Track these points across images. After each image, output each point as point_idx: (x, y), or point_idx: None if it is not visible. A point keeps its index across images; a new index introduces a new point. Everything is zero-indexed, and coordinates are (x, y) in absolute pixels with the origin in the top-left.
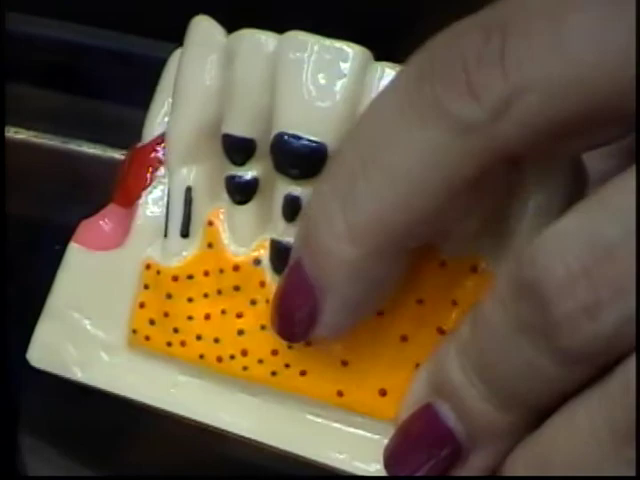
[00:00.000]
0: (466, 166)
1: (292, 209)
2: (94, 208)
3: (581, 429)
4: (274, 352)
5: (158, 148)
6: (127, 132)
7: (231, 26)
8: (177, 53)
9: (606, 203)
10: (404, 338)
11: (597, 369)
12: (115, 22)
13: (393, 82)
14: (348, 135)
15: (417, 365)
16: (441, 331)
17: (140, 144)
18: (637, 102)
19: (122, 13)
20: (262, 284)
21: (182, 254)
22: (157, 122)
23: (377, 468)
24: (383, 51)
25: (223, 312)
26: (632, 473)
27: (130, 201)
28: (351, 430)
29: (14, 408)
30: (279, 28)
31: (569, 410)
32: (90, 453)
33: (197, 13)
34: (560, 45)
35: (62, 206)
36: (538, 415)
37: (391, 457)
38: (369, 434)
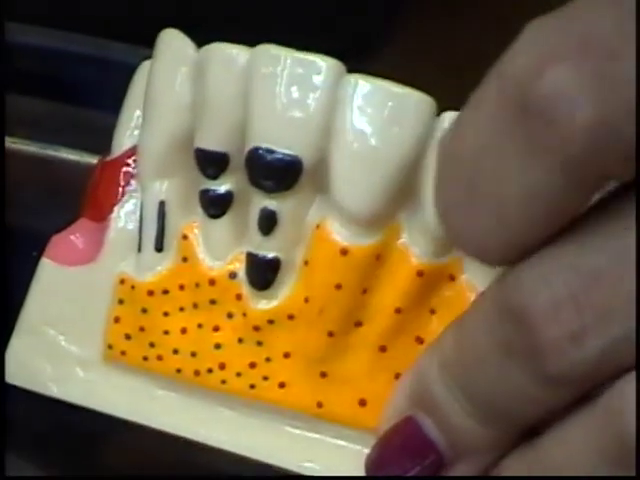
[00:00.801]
0: None
1: (268, 222)
2: (73, 214)
3: (573, 452)
4: (252, 365)
5: (129, 161)
6: (106, 138)
7: (200, 39)
8: (145, 65)
9: (591, 230)
10: (383, 348)
11: (582, 392)
12: (93, 28)
13: None
14: None
15: (397, 375)
16: (420, 340)
17: (110, 157)
18: (637, 113)
19: (100, 19)
20: (238, 297)
21: (157, 268)
22: (127, 135)
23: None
24: (356, 64)
25: (199, 326)
26: None
27: (102, 215)
28: (331, 441)
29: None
30: (250, 41)
31: (559, 432)
32: (63, 457)
33: (176, 19)
34: None
35: (40, 212)
36: (521, 430)
37: (373, 467)
38: (349, 444)
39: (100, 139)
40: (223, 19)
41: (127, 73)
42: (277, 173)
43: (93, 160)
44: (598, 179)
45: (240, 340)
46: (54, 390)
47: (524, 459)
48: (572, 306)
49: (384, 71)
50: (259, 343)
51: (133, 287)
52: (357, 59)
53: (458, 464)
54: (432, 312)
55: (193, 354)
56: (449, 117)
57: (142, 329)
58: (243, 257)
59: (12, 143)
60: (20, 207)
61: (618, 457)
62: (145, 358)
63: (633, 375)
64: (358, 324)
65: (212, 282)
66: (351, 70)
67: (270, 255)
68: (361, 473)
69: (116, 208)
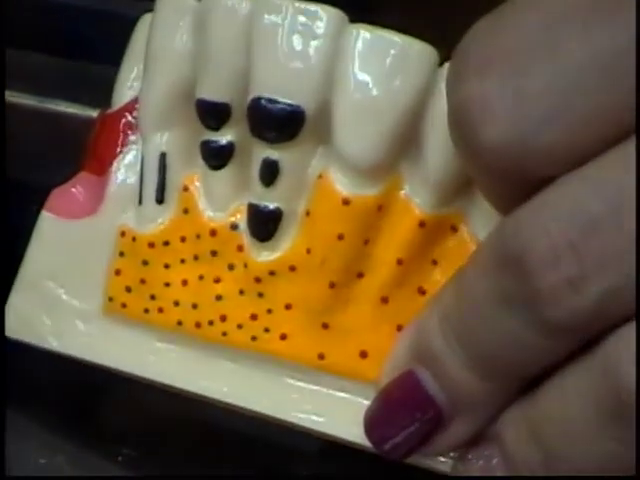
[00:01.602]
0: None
1: (270, 173)
2: (73, 167)
3: (570, 404)
4: (253, 316)
5: (129, 114)
6: (106, 91)
7: None
8: (146, 18)
9: (590, 178)
10: (384, 299)
11: (581, 342)
12: None
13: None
14: None
15: (398, 326)
16: (422, 291)
17: (110, 110)
18: (637, 101)
19: None
20: (240, 248)
21: (157, 220)
22: (127, 87)
23: (358, 431)
24: (358, 14)
25: (201, 277)
26: (621, 450)
27: (102, 169)
28: (331, 392)
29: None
30: None
31: (558, 384)
32: (63, 411)
33: None
34: None
35: (40, 165)
36: (520, 384)
37: (372, 421)
38: (350, 396)
39: (100, 92)
40: None
41: (128, 26)
42: (279, 123)
43: (93, 113)
44: None
45: (241, 292)
46: (54, 343)
47: (522, 412)
48: (570, 254)
49: (385, 24)
50: (260, 294)
51: (134, 239)
52: (359, 11)
53: (457, 419)
54: (434, 263)
55: (194, 306)
56: None
57: (143, 281)
58: (244, 208)
59: (11, 96)
60: (20, 160)
61: (614, 409)
62: (146, 310)
63: (631, 325)
64: (360, 275)
65: (213, 233)
66: (353, 20)
67: (272, 206)
68: (362, 425)
69: (116, 161)
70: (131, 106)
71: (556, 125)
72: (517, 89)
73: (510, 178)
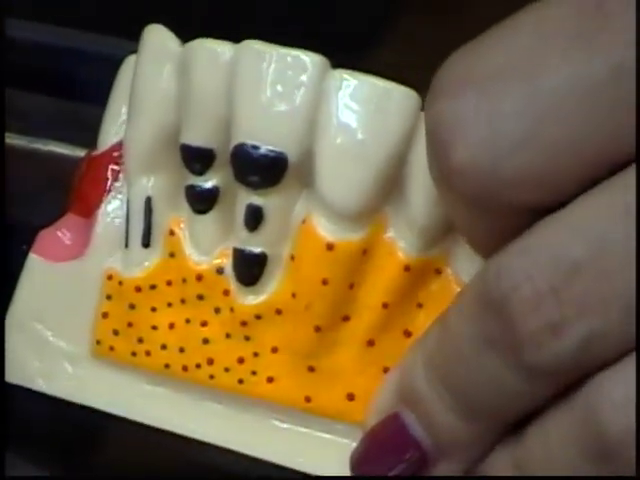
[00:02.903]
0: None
1: (254, 218)
2: (63, 208)
3: (553, 447)
4: (240, 360)
5: (115, 156)
6: (95, 131)
7: (185, 35)
8: (129, 60)
9: (571, 221)
10: (371, 342)
11: (563, 386)
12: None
13: None
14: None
15: (385, 369)
16: (408, 334)
17: (96, 152)
18: (637, 111)
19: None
20: (226, 292)
21: (144, 264)
22: (113, 130)
23: (344, 472)
24: (339, 59)
25: (187, 321)
26: None
27: (89, 211)
28: (319, 435)
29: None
30: (234, 38)
31: (541, 426)
32: (60, 453)
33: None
34: None
35: (30, 206)
36: (505, 426)
37: (358, 462)
38: (338, 438)
39: (89, 133)
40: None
41: (116, 66)
42: (262, 169)
43: (82, 153)
44: None
45: (228, 335)
46: (42, 385)
47: (508, 454)
48: (552, 299)
49: (371, 70)
50: (247, 338)
51: (121, 283)
52: (345, 59)
53: (442, 461)
54: (419, 306)
55: (181, 349)
56: None
57: (130, 324)
58: (230, 252)
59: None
60: (10, 200)
61: (597, 453)
62: (133, 353)
63: (612, 370)
64: (346, 319)
65: (199, 277)
66: (337, 66)
67: (257, 250)
68: (347, 467)
69: (103, 203)
70: (117, 148)
71: (527, 150)
72: (490, 112)
73: (483, 206)
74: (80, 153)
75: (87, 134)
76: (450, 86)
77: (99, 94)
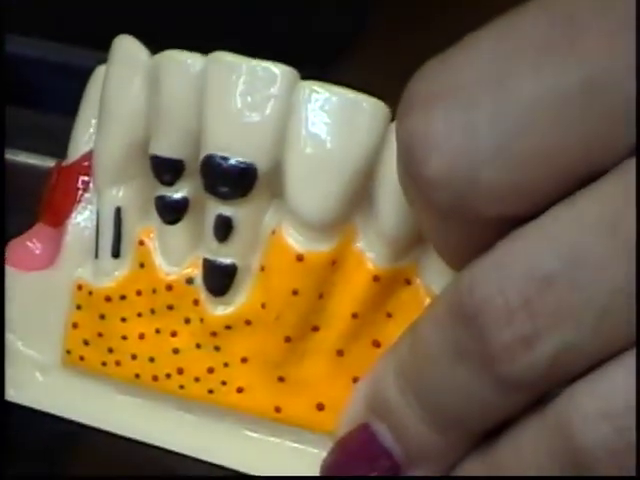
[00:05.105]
0: None
1: (224, 229)
2: (32, 218)
3: (525, 457)
4: (210, 370)
5: (85, 166)
6: (65, 142)
7: (154, 46)
8: (99, 71)
9: (544, 233)
10: (340, 352)
11: (535, 397)
12: (53, 33)
13: None
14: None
15: (354, 378)
16: (377, 344)
17: (66, 162)
18: (637, 112)
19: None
20: (196, 302)
21: (114, 274)
22: (83, 141)
23: None
24: (309, 71)
25: (157, 331)
26: None
27: (58, 221)
28: (290, 444)
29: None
30: (204, 49)
31: (513, 436)
32: (30, 466)
33: (131, 24)
34: None
35: None
36: (477, 436)
37: (329, 471)
38: (308, 448)
39: (59, 143)
40: (177, 26)
41: (85, 77)
42: (232, 180)
43: (51, 164)
44: None
45: (198, 345)
46: (13, 395)
47: (480, 463)
48: (524, 311)
49: (341, 82)
50: (217, 348)
51: (90, 293)
52: (315, 71)
53: (414, 470)
54: (389, 316)
55: (151, 359)
56: None
57: (100, 335)
58: (200, 262)
59: None
60: None
61: (569, 465)
62: (104, 363)
63: (583, 381)
64: (315, 329)
65: (169, 287)
66: (306, 78)
67: (226, 261)
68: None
69: (73, 214)
70: (87, 158)
71: (502, 160)
72: (462, 124)
73: (458, 217)
74: (50, 163)
75: (57, 145)
76: (421, 99)
77: (69, 105)
